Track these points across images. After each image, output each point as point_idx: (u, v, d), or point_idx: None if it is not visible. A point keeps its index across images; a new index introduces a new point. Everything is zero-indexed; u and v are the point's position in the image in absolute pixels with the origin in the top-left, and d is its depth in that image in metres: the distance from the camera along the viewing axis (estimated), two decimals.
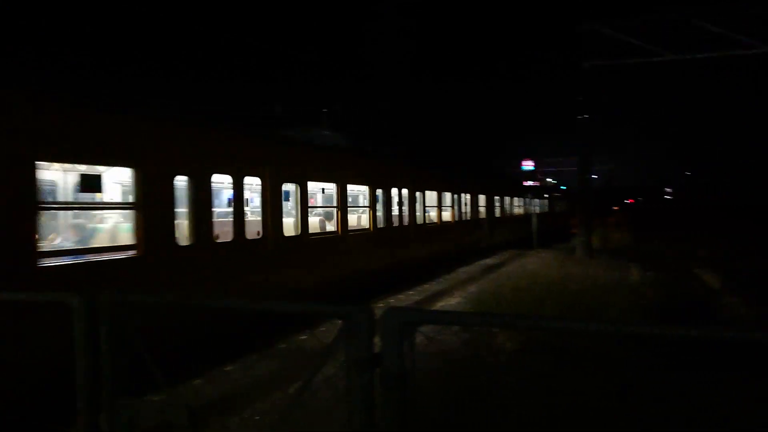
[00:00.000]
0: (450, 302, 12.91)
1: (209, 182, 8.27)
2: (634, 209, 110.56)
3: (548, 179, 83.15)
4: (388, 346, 2.52)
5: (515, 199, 32.43)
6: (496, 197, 27.21)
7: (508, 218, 30.30)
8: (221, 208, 10.00)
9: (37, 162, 6.00)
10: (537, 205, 37.98)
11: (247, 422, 5.58)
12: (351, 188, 12.91)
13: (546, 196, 45.47)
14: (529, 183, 50.40)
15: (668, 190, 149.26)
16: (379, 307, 12.49)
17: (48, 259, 6.12)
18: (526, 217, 33.03)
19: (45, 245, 6.61)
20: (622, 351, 5.57)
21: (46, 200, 6.81)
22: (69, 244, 7.47)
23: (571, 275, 10.94)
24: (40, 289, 5.61)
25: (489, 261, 21.81)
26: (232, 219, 8.84)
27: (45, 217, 6.93)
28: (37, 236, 6.01)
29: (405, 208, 15.62)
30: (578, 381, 2.57)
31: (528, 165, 68.29)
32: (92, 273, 6.52)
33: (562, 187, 70.85)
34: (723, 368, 3.80)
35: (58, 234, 7.88)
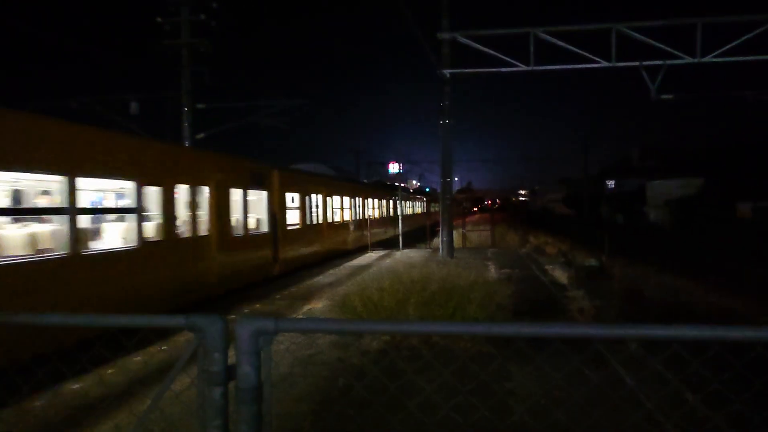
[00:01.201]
0: (317, 306, 12.84)
1: (312, 197, 20.69)
2: (493, 210, 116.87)
3: (413, 181, 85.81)
4: (242, 357, 2.40)
5: (383, 201, 33.27)
6: (368, 200, 28.83)
7: (379, 220, 31.25)
8: (314, 209, 21.16)
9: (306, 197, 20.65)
10: (404, 207, 39.10)
11: None
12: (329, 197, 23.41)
13: (422, 198, 47.10)
14: (397, 185, 51.68)
15: (522, 192, 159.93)
16: (246, 313, 12.17)
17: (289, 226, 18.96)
18: (395, 218, 34.10)
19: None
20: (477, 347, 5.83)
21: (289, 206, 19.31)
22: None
23: (434, 274, 11.30)
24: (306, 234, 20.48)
25: (356, 262, 22.05)
26: (315, 214, 21.09)
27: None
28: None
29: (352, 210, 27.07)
30: (431, 378, 2.63)
31: (394, 168, 69.86)
32: (297, 231, 19.28)
33: (426, 189, 73.34)
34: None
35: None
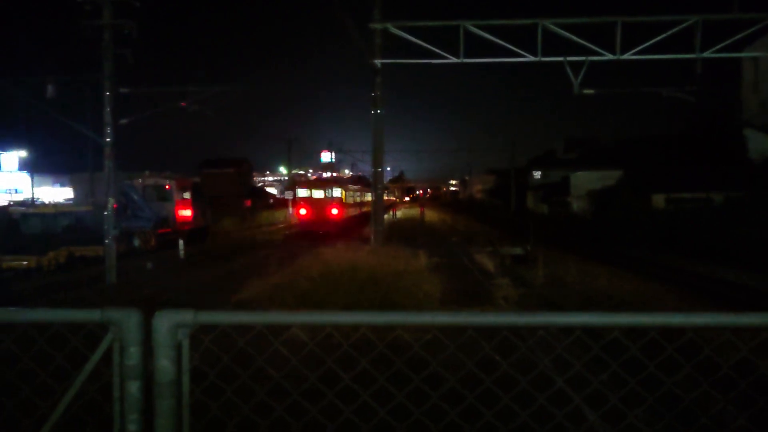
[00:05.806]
0: (248, 296, 12.68)
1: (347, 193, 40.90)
2: (424, 200, 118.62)
3: (346, 170, 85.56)
4: (159, 351, 2.39)
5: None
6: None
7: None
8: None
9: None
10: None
11: None
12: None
13: (358, 187, 47.20)
14: (329, 174, 51.43)
15: (453, 182, 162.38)
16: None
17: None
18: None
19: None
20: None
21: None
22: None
23: (364, 263, 11.42)
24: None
25: (285, 253, 21.90)
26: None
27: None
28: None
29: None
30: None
31: (326, 156, 69.33)
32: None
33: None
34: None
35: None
